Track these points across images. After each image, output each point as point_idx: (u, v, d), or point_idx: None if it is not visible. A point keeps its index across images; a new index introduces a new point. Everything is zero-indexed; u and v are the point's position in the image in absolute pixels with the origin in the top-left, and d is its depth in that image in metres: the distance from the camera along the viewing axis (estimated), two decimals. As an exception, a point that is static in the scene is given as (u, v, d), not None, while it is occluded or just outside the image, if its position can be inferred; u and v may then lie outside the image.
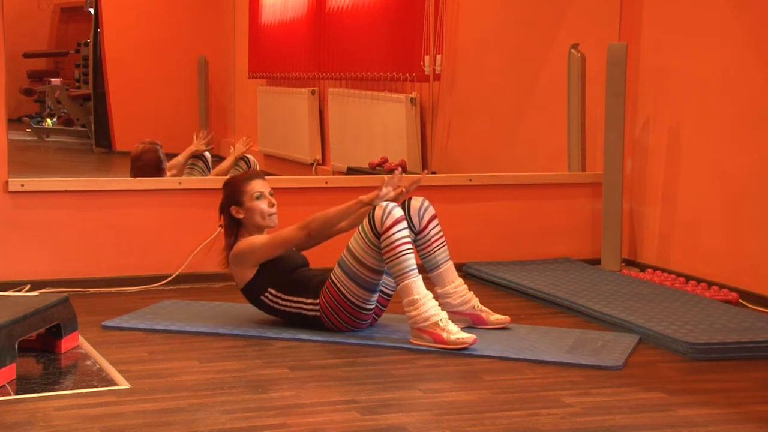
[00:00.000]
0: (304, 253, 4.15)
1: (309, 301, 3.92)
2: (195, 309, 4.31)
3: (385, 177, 3.98)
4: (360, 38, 7.38)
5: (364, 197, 3.93)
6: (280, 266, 3.97)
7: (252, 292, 4.00)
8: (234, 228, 4.04)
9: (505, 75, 6.40)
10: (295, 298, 3.94)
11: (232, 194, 4.02)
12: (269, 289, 3.96)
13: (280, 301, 3.96)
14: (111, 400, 3.13)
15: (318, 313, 3.90)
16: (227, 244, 4.04)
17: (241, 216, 4.01)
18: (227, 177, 4.31)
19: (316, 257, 4.20)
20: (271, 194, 4.05)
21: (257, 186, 4.02)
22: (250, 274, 3.97)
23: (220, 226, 4.12)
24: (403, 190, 3.98)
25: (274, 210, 4.02)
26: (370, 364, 3.58)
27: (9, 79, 4.62)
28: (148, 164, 5.41)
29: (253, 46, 8.27)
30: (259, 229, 4.03)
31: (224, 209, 4.04)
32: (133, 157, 5.48)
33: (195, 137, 5.81)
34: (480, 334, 3.84)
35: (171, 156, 5.71)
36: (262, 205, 4.00)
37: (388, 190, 3.93)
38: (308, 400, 3.17)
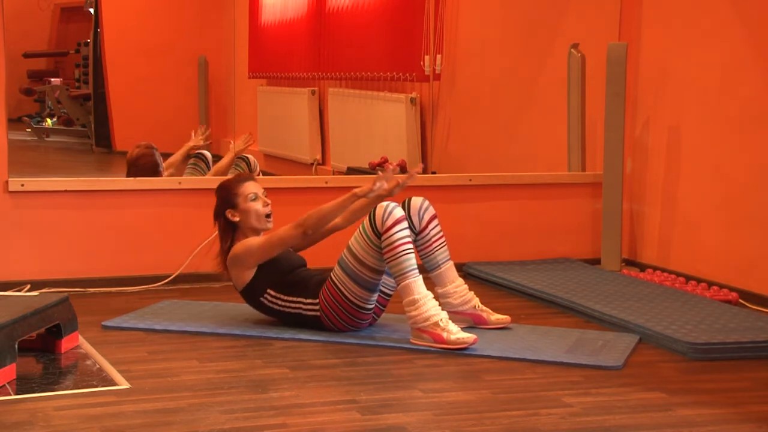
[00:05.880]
0: (303, 253, 4.15)
1: (308, 300, 3.92)
2: (195, 309, 4.31)
3: (380, 172, 3.98)
4: (360, 38, 7.38)
5: (357, 190, 3.92)
6: (278, 267, 3.97)
7: (251, 293, 4.00)
8: (230, 232, 4.03)
9: (505, 75, 6.40)
10: (293, 298, 3.94)
11: (227, 198, 4.01)
12: (268, 290, 3.96)
13: (279, 302, 3.96)
14: (111, 400, 3.13)
15: (318, 313, 3.90)
16: (223, 249, 4.04)
17: (237, 219, 4.00)
18: (223, 179, 4.28)
19: (316, 257, 4.19)
20: (265, 194, 4.05)
21: (251, 187, 4.01)
22: (248, 276, 3.97)
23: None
24: (399, 182, 3.98)
25: (269, 210, 4.02)
26: (370, 364, 3.58)
27: (9, 79, 4.62)
28: (144, 169, 5.37)
29: (253, 46, 8.26)
30: (255, 232, 4.02)
31: (219, 213, 4.03)
32: (129, 161, 5.43)
33: (193, 134, 5.80)
34: (480, 334, 3.84)
35: (168, 156, 5.70)
36: (257, 206, 4.00)
37: (381, 184, 3.93)
38: (308, 400, 3.17)
